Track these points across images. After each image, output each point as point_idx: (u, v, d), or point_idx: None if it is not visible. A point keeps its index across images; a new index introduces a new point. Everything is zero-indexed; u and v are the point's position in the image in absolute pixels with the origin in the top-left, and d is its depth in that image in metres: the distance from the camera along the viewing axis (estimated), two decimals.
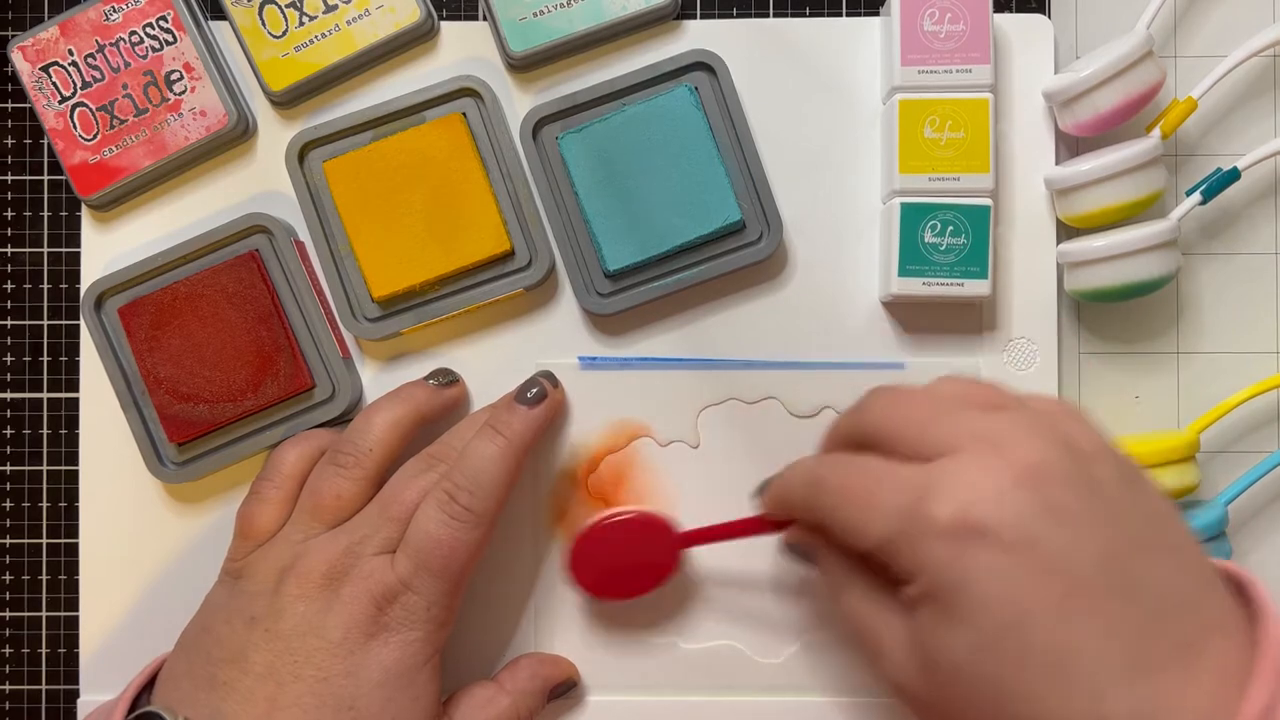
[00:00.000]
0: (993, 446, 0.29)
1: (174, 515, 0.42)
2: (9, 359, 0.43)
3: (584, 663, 0.41)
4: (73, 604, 0.42)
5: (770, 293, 0.42)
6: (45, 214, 0.43)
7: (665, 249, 0.40)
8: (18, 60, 0.41)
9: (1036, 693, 0.27)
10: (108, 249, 0.42)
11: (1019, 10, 0.42)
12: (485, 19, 0.42)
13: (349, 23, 0.41)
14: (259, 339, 0.40)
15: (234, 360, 0.40)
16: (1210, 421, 0.40)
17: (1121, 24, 0.41)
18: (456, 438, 0.38)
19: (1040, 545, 0.27)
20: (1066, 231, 0.42)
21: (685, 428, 0.41)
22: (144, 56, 0.41)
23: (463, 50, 0.42)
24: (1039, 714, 0.27)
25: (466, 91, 0.41)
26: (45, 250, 0.43)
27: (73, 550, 0.42)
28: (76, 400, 0.42)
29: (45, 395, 0.43)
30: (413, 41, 0.42)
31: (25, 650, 0.43)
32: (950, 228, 0.39)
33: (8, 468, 0.43)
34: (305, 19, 0.41)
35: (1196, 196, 0.39)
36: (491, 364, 0.42)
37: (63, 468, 0.43)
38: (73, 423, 0.42)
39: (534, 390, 0.39)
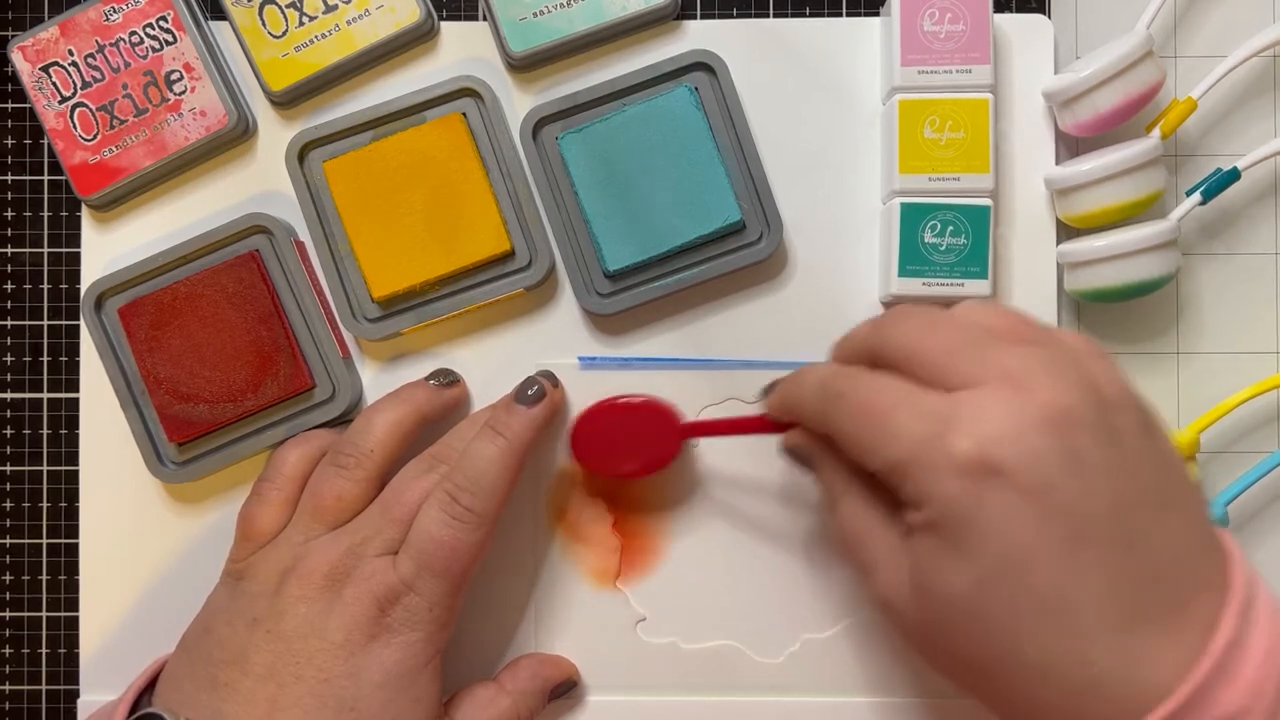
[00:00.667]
0: (1018, 384, 0.28)
1: (174, 515, 0.42)
2: (9, 359, 0.43)
3: (584, 663, 0.41)
4: (73, 604, 0.42)
5: (770, 293, 0.42)
6: (45, 214, 0.43)
7: (665, 249, 0.40)
8: (18, 60, 0.41)
9: (1026, 634, 0.27)
10: (108, 249, 0.42)
11: (1019, 10, 0.42)
12: (485, 19, 0.42)
13: (349, 23, 0.41)
14: (259, 339, 0.40)
15: (234, 360, 0.40)
16: (1210, 421, 0.40)
17: (1121, 24, 0.41)
18: (457, 438, 0.38)
19: (1055, 490, 0.27)
20: (1066, 231, 0.42)
21: None
22: (144, 56, 0.41)
23: (463, 50, 0.42)
24: (1025, 653, 0.27)
25: (466, 91, 0.41)
26: (45, 250, 0.43)
27: (73, 550, 0.42)
28: (76, 400, 0.42)
29: (45, 395, 0.43)
30: (413, 41, 0.42)
31: (25, 650, 0.43)
32: (950, 228, 0.39)
33: (8, 468, 0.43)
34: (305, 19, 0.41)
35: (1196, 196, 0.39)
36: (491, 364, 0.42)
37: (63, 468, 0.43)
38: (73, 423, 0.42)
39: (533, 390, 0.39)
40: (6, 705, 0.42)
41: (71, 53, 0.41)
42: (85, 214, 0.42)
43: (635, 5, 0.41)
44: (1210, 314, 0.42)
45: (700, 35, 0.42)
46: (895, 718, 0.41)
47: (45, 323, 0.43)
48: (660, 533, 0.41)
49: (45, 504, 0.43)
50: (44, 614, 0.43)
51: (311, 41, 0.41)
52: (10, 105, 0.43)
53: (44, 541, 0.43)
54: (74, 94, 0.41)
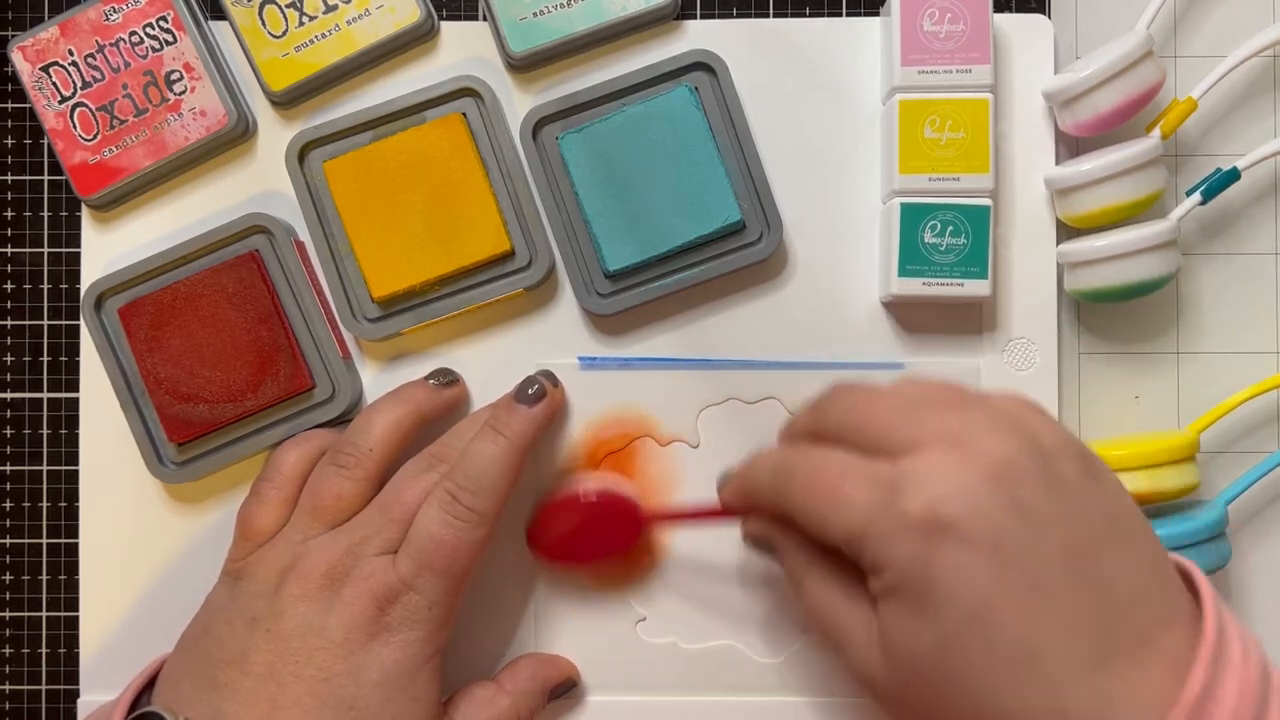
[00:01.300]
0: (959, 443, 0.29)
1: (174, 515, 0.42)
2: (9, 359, 0.43)
3: (584, 663, 0.41)
4: (73, 604, 0.42)
5: (770, 293, 0.42)
6: (45, 214, 0.43)
7: (665, 249, 0.40)
8: (18, 60, 0.41)
9: (1000, 686, 0.27)
10: (108, 249, 0.42)
11: (1019, 10, 0.42)
12: (485, 19, 0.42)
13: (349, 23, 0.41)
14: (259, 339, 0.40)
15: (234, 360, 0.40)
16: (1210, 421, 0.40)
17: (1121, 24, 0.41)
18: (457, 438, 0.38)
19: (1006, 541, 0.28)
20: (1066, 231, 0.42)
21: (685, 428, 0.41)
22: (144, 56, 0.41)
23: (463, 50, 0.42)
24: (1002, 707, 0.27)
25: (466, 91, 0.41)
26: (45, 250, 0.43)
27: (73, 550, 0.42)
28: (76, 400, 0.42)
29: (45, 395, 0.43)
30: (413, 41, 0.42)
31: (25, 650, 0.43)
32: (950, 228, 0.39)
33: (8, 468, 0.43)
34: (305, 19, 0.41)
35: (1196, 196, 0.39)
36: (491, 364, 0.42)
37: (63, 468, 0.43)
38: (73, 423, 0.42)
39: (533, 389, 0.39)
40: (6, 705, 0.42)
41: (71, 53, 0.41)
42: (85, 214, 0.42)
43: (635, 5, 0.41)
44: (1210, 314, 0.42)
45: (700, 35, 0.42)
46: None
47: (45, 323, 0.43)
48: (660, 532, 0.41)
49: (45, 504, 0.43)
50: (44, 614, 0.43)
51: (311, 41, 0.41)
52: (10, 105, 0.43)
53: (44, 541, 0.43)
54: (74, 94, 0.41)
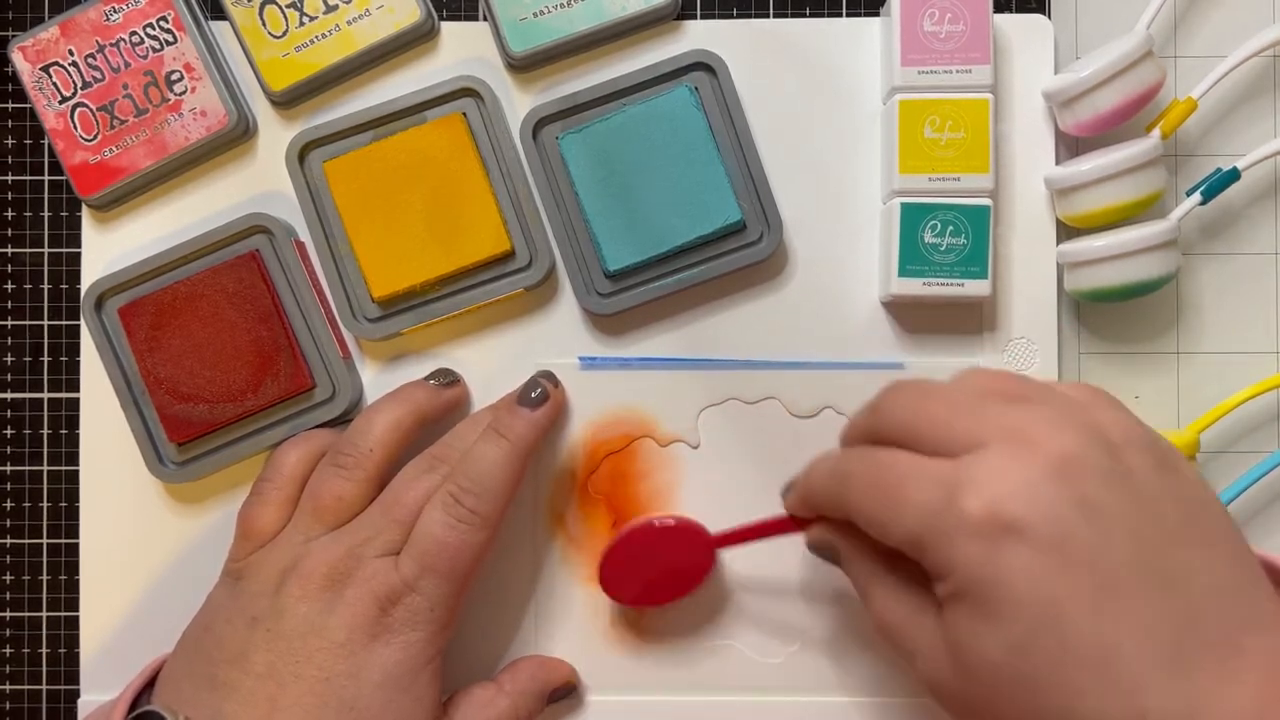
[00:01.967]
0: (1021, 439, 0.28)
1: (174, 515, 0.42)
2: (9, 359, 0.43)
3: (584, 663, 0.41)
4: (73, 604, 0.42)
5: (770, 293, 0.42)
6: (45, 214, 0.43)
7: (665, 249, 0.40)
8: (18, 60, 0.41)
9: (1075, 690, 0.26)
10: (108, 249, 0.42)
11: (1019, 10, 0.42)
12: (485, 19, 0.42)
13: (349, 23, 0.41)
14: (259, 339, 0.40)
15: (234, 360, 0.40)
16: (1210, 421, 0.40)
17: (1121, 24, 0.41)
18: (458, 438, 0.38)
19: (1073, 540, 0.27)
20: (1066, 231, 0.42)
21: (685, 428, 0.41)
22: (144, 57, 0.41)
23: (463, 50, 0.42)
24: (1078, 712, 0.26)
25: (466, 91, 0.41)
26: (45, 250, 0.43)
27: (73, 550, 0.42)
28: (76, 400, 0.42)
29: (45, 395, 0.43)
30: (413, 42, 0.42)
31: (25, 650, 0.43)
32: (950, 228, 0.39)
33: (8, 468, 0.43)
34: (305, 19, 0.41)
35: (1196, 196, 0.39)
36: (491, 364, 0.42)
37: (63, 468, 0.43)
38: (73, 423, 0.42)
39: (536, 392, 0.39)
40: (6, 705, 0.42)
41: (72, 53, 0.41)
42: (85, 214, 0.42)
43: (635, 5, 0.41)
44: (1210, 314, 0.42)
45: (700, 35, 0.42)
46: (895, 718, 0.41)
47: (45, 323, 0.43)
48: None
49: (45, 504, 0.43)
50: (44, 614, 0.43)
51: (312, 41, 0.41)
52: (10, 105, 0.43)
53: (44, 541, 0.43)
54: (74, 94, 0.41)
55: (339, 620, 0.35)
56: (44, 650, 0.43)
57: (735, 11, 0.43)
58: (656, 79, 0.41)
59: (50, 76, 0.41)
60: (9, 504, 0.43)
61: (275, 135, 0.42)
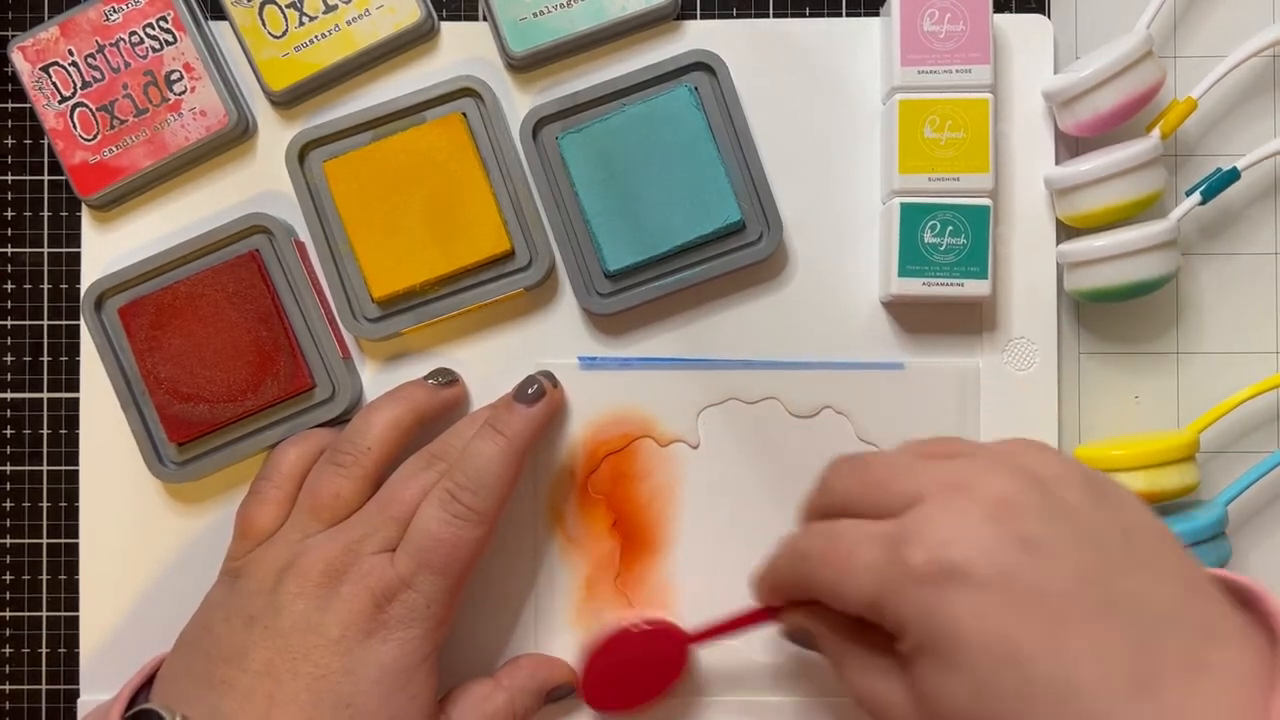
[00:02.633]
0: (956, 489, 0.29)
1: (174, 515, 0.42)
2: (9, 359, 0.43)
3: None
4: (73, 604, 0.42)
5: (770, 293, 0.42)
6: (45, 214, 0.43)
7: (665, 249, 0.40)
8: (18, 60, 0.41)
9: None
10: (108, 249, 0.42)
11: (1019, 10, 0.42)
12: (485, 19, 0.42)
13: (349, 23, 0.41)
14: (259, 339, 0.40)
15: (234, 360, 0.40)
16: (1210, 421, 0.40)
17: (1121, 24, 0.41)
18: (456, 436, 0.38)
19: (1018, 577, 0.27)
20: (1066, 231, 0.42)
21: (685, 428, 0.41)
22: (144, 57, 0.41)
23: (463, 50, 0.42)
24: None
25: (466, 91, 0.41)
26: (45, 250, 0.43)
27: (73, 550, 0.42)
28: (76, 400, 0.42)
29: (45, 395, 0.43)
30: (413, 41, 0.42)
31: (25, 650, 0.43)
32: (950, 228, 0.39)
33: (8, 468, 0.43)
34: (305, 19, 0.41)
35: (1196, 196, 0.39)
36: (491, 364, 0.42)
37: (63, 468, 0.43)
38: (73, 423, 0.42)
39: (533, 388, 0.39)
40: (6, 705, 0.42)
41: (71, 53, 0.41)
42: (85, 214, 0.42)
43: (635, 5, 0.41)
44: (1210, 314, 0.42)
45: (700, 35, 0.42)
46: None
47: (45, 323, 0.43)
48: (660, 533, 0.41)
49: (45, 504, 0.43)
50: (44, 614, 0.43)
51: (311, 41, 0.41)
52: (10, 105, 0.43)
53: (44, 541, 0.43)
54: (74, 94, 0.41)
55: (335, 617, 0.35)
56: (44, 650, 0.43)
57: (735, 11, 0.43)
58: (656, 79, 0.41)
59: (50, 76, 0.41)
60: (9, 504, 0.43)
61: (275, 135, 0.42)
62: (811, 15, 0.43)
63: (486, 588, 0.41)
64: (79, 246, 0.42)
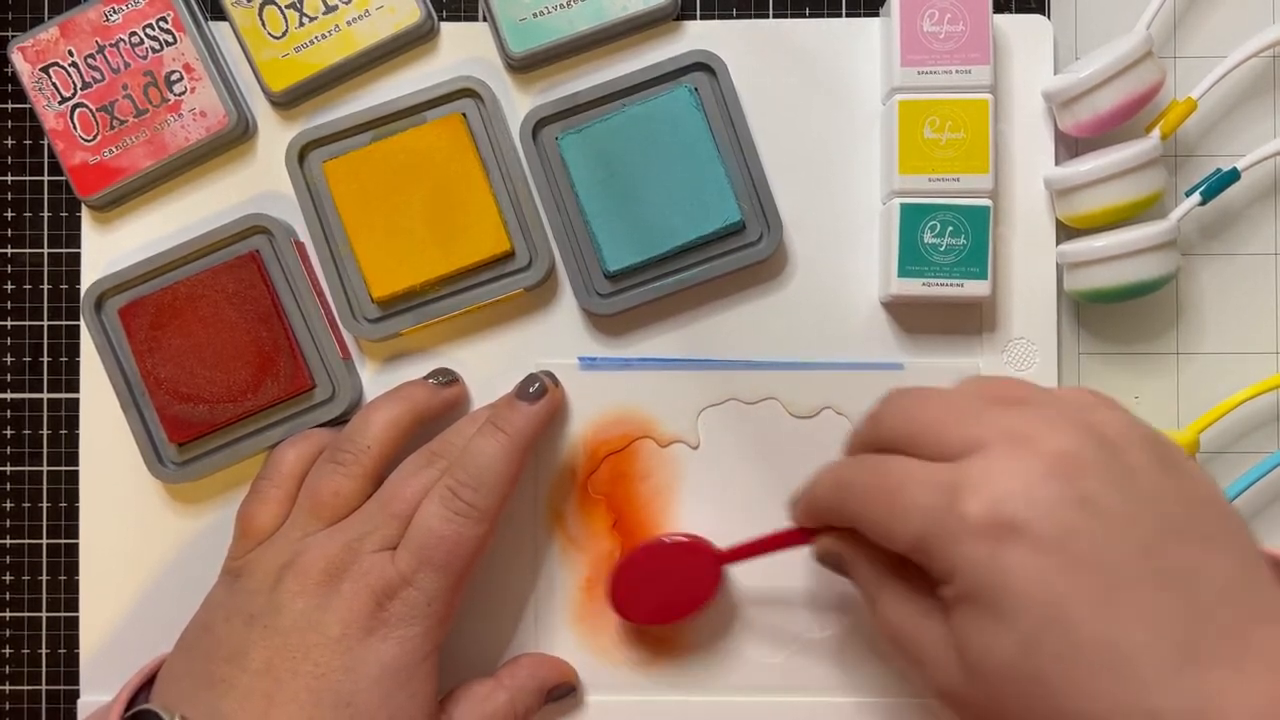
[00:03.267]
0: (1020, 440, 0.28)
1: (174, 515, 0.42)
2: (9, 359, 0.43)
3: (584, 663, 0.41)
4: (73, 604, 0.42)
5: (770, 293, 0.42)
6: (45, 214, 0.43)
7: (665, 249, 0.40)
8: (18, 61, 0.41)
9: (1085, 689, 0.26)
10: (108, 249, 0.42)
11: (1019, 10, 0.42)
12: (485, 19, 0.42)
13: (349, 23, 0.41)
14: (259, 339, 0.40)
15: (234, 360, 0.40)
16: (1210, 421, 0.40)
17: (1121, 24, 0.41)
18: (457, 435, 0.38)
19: (1075, 538, 0.27)
20: (1066, 232, 0.42)
21: (685, 428, 0.41)
22: (144, 57, 0.41)
23: (463, 50, 0.42)
24: (1089, 711, 0.26)
25: (466, 92, 0.41)
26: (45, 250, 0.43)
27: (73, 550, 0.42)
28: (76, 400, 0.42)
29: (45, 395, 0.43)
30: (413, 42, 0.42)
31: (25, 650, 0.43)
32: (950, 228, 0.39)
33: (8, 468, 0.43)
34: (305, 20, 0.41)
35: (1196, 197, 0.39)
36: (491, 364, 0.42)
37: (63, 468, 0.43)
38: (73, 423, 0.42)
39: (535, 386, 0.39)
40: (6, 705, 0.42)
41: (71, 53, 0.41)
42: (85, 214, 0.42)
43: (635, 5, 0.41)
44: (1210, 314, 0.42)
45: (700, 35, 0.42)
46: (895, 718, 0.41)
47: (45, 323, 0.43)
48: (660, 533, 0.41)
49: (45, 504, 0.43)
50: (44, 614, 0.43)
51: (311, 42, 0.41)
52: (10, 105, 0.43)
53: (44, 541, 0.43)
54: (74, 94, 0.41)
55: (335, 615, 0.35)
56: (44, 650, 0.43)
57: (735, 11, 0.43)
58: (656, 79, 0.41)
59: (50, 77, 0.41)
60: (9, 504, 0.43)
61: (275, 135, 0.42)
62: (811, 15, 0.43)
63: (486, 588, 0.41)
64: (79, 247, 0.42)
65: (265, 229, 0.41)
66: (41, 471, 0.43)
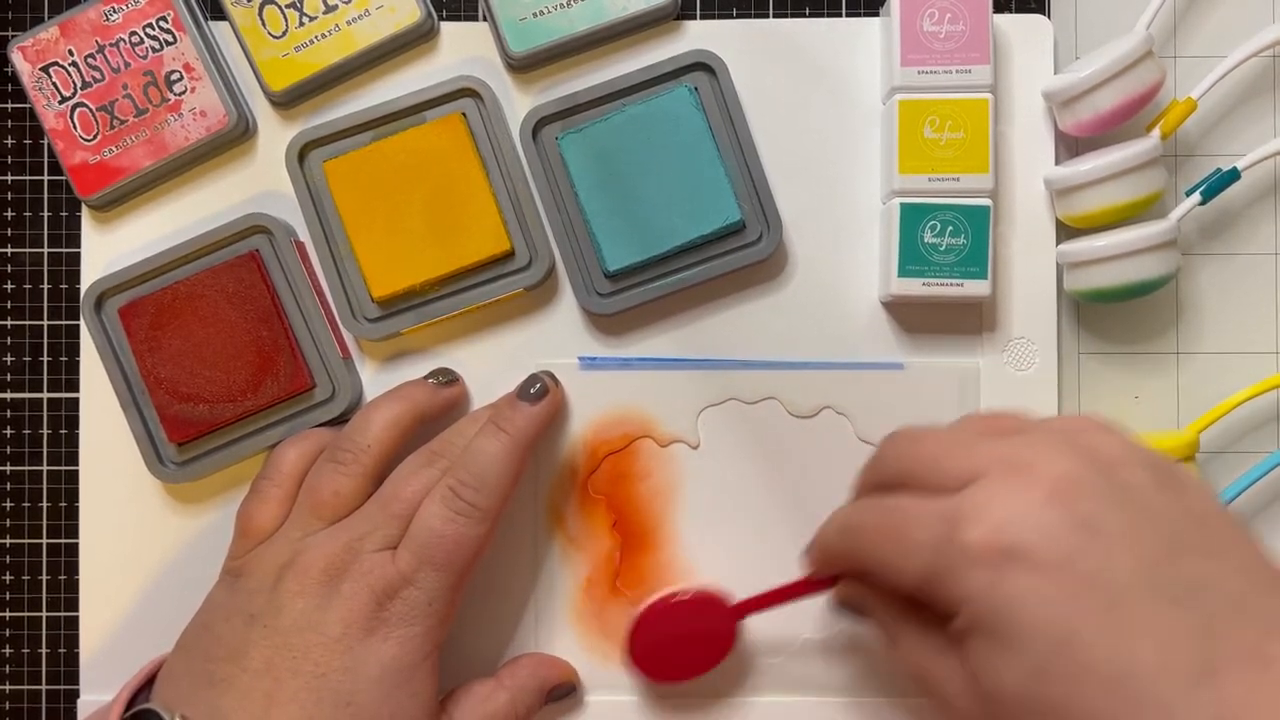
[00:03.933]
0: (1016, 467, 0.29)
1: (174, 515, 0.42)
2: (9, 359, 0.43)
3: (584, 663, 0.41)
4: (73, 604, 0.42)
5: (770, 293, 0.42)
6: (45, 214, 0.43)
7: (665, 249, 0.40)
8: (18, 60, 0.41)
9: (1101, 712, 0.26)
10: (108, 249, 0.42)
11: (1019, 10, 0.42)
12: (485, 19, 0.42)
13: (349, 23, 0.41)
14: (259, 339, 0.40)
15: (234, 360, 0.40)
16: (1210, 421, 0.40)
17: (1121, 24, 0.41)
18: (457, 434, 0.38)
19: (1077, 560, 0.27)
20: (1066, 231, 0.42)
21: (685, 428, 0.41)
22: (144, 57, 0.41)
23: (463, 50, 0.42)
24: None
25: (466, 91, 0.41)
26: (45, 250, 0.43)
27: (73, 550, 0.42)
28: (76, 400, 0.42)
29: (45, 395, 0.43)
30: (413, 42, 0.42)
31: (25, 650, 0.43)
32: (950, 228, 0.39)
33: (8, 468, 0.43)
34: (305, 19, 0.41)
35: (1196, 197, 0.39)
36: (491, 364, 0.42)
37: (63, 468, 0.43)
38: (73, 423, 0.42)
39: (536, 386, 0.39)
40: (6, 705, 0.42)
41: (71, 53, 0.41)
42: (85, 214, 0.42)
43: (635, 5, 0.41)
44: (1210, 314, 0.42)
45: (700, 35, 0.42)
46: (895, 718, 0.41)
47: (45, 323, 0.43)
48: (660, 533, 0.41)
49: (45, 504, 0.43)
50: (44, 614, 0.43)
51: (311, 42, 0.41)
52: (10, 105, 0.43)
53: (44, 541, 0.43)
54: (74, 94, 0.41)
55: (335, 615, 0.35)
56: (44, 650, 0.42)
57: (735, 11, 0.43)
58: (656, 79, 0.41)
59: (50, 76, 0.41)
60: (9, 504, 0.43)
61: (275, 135, 0.42)
62: (811, 15, 0.43)
63: (486, 588, 0.41)
64: (79, 246, 0.42)
65: (265, 229, 0.41)
66: (41, 471, 0.43)
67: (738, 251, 0.41)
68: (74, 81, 0.41)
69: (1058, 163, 0.41)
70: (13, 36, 0.41)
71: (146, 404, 0.41)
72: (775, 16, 0.43)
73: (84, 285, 0.42)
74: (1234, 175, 0.40)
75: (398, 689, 0.35)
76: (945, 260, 0.39)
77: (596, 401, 0.41)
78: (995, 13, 0.40)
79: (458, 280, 0.41)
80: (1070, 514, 0.27)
